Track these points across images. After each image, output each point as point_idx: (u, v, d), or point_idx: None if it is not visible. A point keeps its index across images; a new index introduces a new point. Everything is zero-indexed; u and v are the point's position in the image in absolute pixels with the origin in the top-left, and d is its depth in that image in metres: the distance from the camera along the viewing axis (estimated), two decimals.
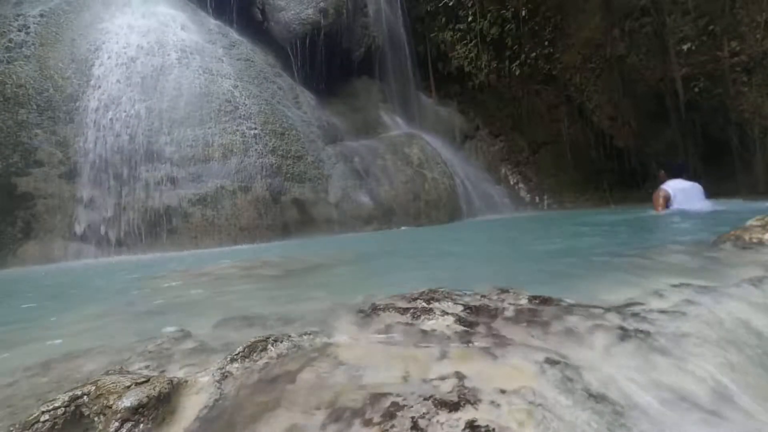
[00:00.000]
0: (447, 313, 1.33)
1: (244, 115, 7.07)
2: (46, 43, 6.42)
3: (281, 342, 1.16)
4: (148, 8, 7.57)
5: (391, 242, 5.68)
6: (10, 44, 6.20)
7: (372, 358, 1.08)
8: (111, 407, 0.87)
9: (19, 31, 6.37)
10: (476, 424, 0.77)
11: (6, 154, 5.63)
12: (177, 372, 1.12)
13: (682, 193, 5.10)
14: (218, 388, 0.98)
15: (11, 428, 0.85)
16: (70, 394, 0.91)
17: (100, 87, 6.40)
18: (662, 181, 5.35)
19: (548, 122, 11.28)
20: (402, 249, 4.76)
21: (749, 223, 2.32)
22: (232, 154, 6.63)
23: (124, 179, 6.00)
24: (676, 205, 5.10)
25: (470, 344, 1.13)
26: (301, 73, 8.95)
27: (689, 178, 5.32)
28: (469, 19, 11.57)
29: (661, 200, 5.18)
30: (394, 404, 0.84)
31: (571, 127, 10.87)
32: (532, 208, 10.99)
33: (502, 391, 0.87)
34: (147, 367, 1.17)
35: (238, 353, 1.10)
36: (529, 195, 11.44)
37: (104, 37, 6.86)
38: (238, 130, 6.85)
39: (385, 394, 0.89)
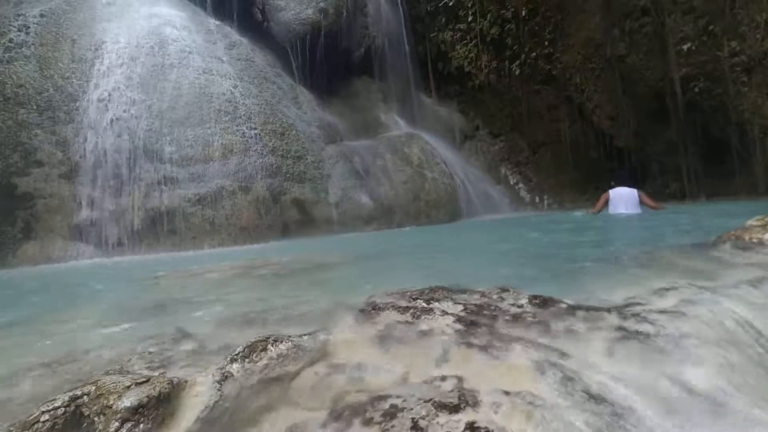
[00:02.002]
0: (447, 313, 1.33)
1: (244, 115, 7.07)
2: (46, 43, 6.42)
3: (281, 342, 1.16)
4: (148, 8, 7.56)
5: (391, 242, 5.68)
6: (10, 44, 6.20)
7: (372, 358, 1.08)
8: (111, 407, 0.87)
9: (19, 31, 6.37)
10: (476, 425, 0.77)
11: (6, 154, 5.63)
12: (177, 372, 1.12)
13: (618, 198, 6.13)
14: (218, 389, 0.98)
15: (11, 428, 0.85)
16: (70, 394, 0.91)
17: (100, 87, 6.39)
18: (612, 187, 6.39)
19: (548, 122, 11.27)
20: (402, 249, 4.76)
21: (749, 223, 2.32)
22: (232, 154, 6.63)
23: (124, 179, 6.00)
24: (610, 208, 6.17)
25: (470, 345, 1.13)
26: (301, 73, 8.95)
27: (634, 184, 6.37)
28: (469, 19, 11.56)
29: (601, 201, 6.37)
30: (394, 405, 0.84)
31: (571, 127, 10.87)
32: (532, 208, 10.98)
33: (503, 393, 0.87)
34: (147, 367, 1.17)
35: (238, 353, 1.11)
36: (529, 195, 11.44)
37: (104, 37, 6.85)
38: (238, 130, 6.85)
39: (385, 395, 0.89)
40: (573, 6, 10.14)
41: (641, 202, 6.06)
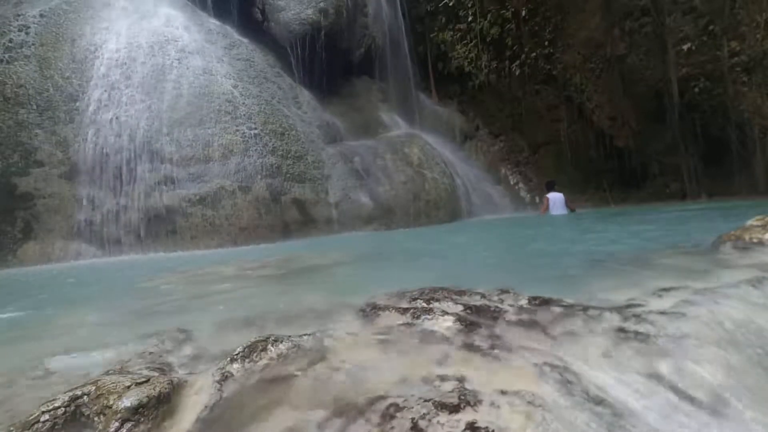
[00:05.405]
0: (447, 314, 1.33)
1: (244, 115, 7.07)
2: (46, 43, 6.42)
3: (281, 342, 1.16)
4: (148, 8, 7.56)
5: (391, 242, 5.68)
6: (10, 44, 6.20)
7: (372, 358, 1.08)
8: (111, 407, 0.87)
9: (19, 31, 6.37)
10: (476, 425, 0.77)
11: (6, 154, 5.63)
12: (177, 372, 1.12)
13: (554, 201, 8.14)
14: (218, 389, 0.98)
15: (11, 428, 0.85)
16: (70, 394, 0.91)
17: (100, 87, 6.39)
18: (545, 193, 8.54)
19: (548, 122, 11.27)
20: (402, 249, 4.76)
21: (749, 223, 2.32)
22: (232, 154, 6.62)
23: (124, 179, 6.00)
24: (551, 209, 8.08)
25: (470, 345, 1.13)
26: (301, 73, 8.94)
27: (558, 191, 8.39)
28: (469, 19, 11.56)
29: (545, 205, 8.31)
30: (394, 405, 0.84)
31: (571, 127, 10.86)
32: (532, 208, 10.98)
33: (503, 393, 0.87)
34: (147, 367, 1.17)
35: (238, 354, 1.11)
36: (529, 195, 11.43)
37: (104, 37, 6.85)
38: (238, 130, 6.85)
39: (385, 395, 0.89)
40: (573, 6, 10.14)
41: (566, 204, 8.12)
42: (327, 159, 8.03)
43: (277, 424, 0.84)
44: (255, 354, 1.10)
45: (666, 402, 0.90)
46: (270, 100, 7.74)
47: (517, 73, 11.18)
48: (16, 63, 6.12)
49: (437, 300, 1.45)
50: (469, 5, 11.46)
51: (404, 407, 0.83)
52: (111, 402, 0.88)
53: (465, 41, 11.84)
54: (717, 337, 1.13)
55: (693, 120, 8.83)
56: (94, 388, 0.92)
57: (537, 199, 11.30)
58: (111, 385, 0.92)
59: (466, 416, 0.79)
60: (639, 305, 1.35)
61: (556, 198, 8.13)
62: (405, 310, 1.38)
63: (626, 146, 9.95)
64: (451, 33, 11.97)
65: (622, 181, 10.20)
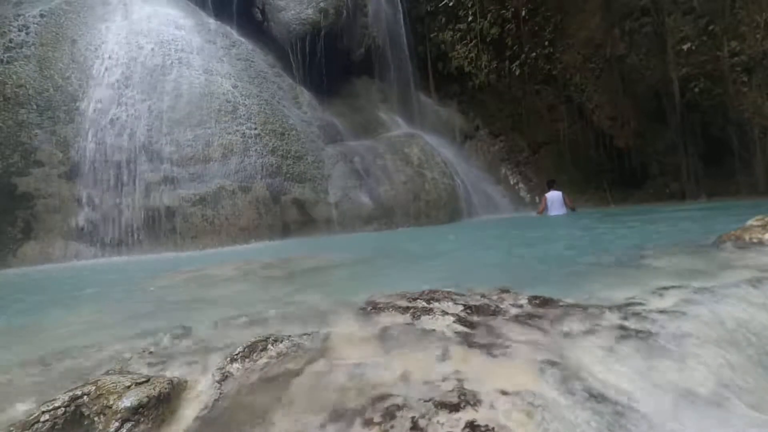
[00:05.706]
0: (447, 313, 1.33)
1: (244, 115, 7.07)
2: (46, 43, 6.42)
3: (281, 342, 1.16)
4: (148, 8, 7.56)
5: (391, 242, 5.67)
6: (10, 44, 6.20)
7: (372, 357, 1.08)
8: (111, 407, 0.87)
9: (19, 31, 6.36)
10: (476, 424, 0.77)
11: (6, 154, 5.63)
12: (177, 372, 1.12)
13: (551, 200, 8.06)
14: (218, 389, 0.98)
15: (11, 428, 0.85)
16: (70, 394, 0.91)
17: (100, 86, 6.39)
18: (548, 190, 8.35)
19: (548, 122, 11.26)
20: (402, 249, 4.76)
21: (749, 223, 2.32)
22: (232, 154, 6.63)
23: (124, 179, 6.00)
24: (549, 209, 7.96)
25: (470, 344, 1.13)
26: (301, 73, 8.94)
27: (558, 188, 8.33)
28: (469, 19, 11.56)
29: (542, 204, 8.21)
30: (394, 404, 0.84)
31: (571, 127, 10.86)
32: (532, 208, 10.97)
33: (503, 392, 0.87)
34: (147, 367, 1.17)
35: (238, 353, 1.11)
36: (529, 195, 11.43)
37: (104, 37, 6.85)
38: (238, 130, 6.85)
39: (385, 394, 0.89)
40: (573, 6, 10.14)
41: (564, 203, 8.00)
42: (327, 159, 8.02)
43: (277, 423, 0.84)
44: (255, 353, 1.10)
45: (666, 401, 0.90)
46: (270, 100, 7.74)
47: (517, 73, 11.18)
48: (16, 63, 6.11)
49: (437, 300, 1.45)
50: (469, 5, 11.46)
51: (404, 406, 0.83)
52: (111, 402, 0.88)
53: (465, 41, 11.84)
54: (717, 336, 1.13)
55: (693, 120, 8.83)
56: (94, 388, 0.92)
57: (537, 199, 11.30)
58: (111, 385, 0.92)
59: (466, 415, 0.79)
60: (639, 304, 1.35)
61: (554, 197, 8.06)
62: (405, 310, 1.38)
63: (626, 146, 9.95)
64: (451, 33, 11.97)
65: (622, 181, 10.19)
